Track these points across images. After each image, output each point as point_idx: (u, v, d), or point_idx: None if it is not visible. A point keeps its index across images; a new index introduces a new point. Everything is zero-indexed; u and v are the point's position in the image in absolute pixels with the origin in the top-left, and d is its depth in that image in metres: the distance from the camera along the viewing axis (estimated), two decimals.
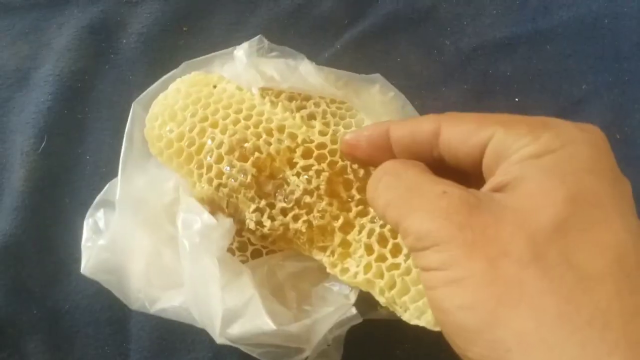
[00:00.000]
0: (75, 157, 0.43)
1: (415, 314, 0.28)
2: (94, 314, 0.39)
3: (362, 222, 0.31)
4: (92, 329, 0.39)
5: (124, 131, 0.36)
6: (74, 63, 0.44)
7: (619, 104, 0.44)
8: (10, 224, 0.40)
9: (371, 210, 0.31)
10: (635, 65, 0.45)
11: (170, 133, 0.33)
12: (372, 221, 0.31)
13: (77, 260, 0.39)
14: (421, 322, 0.28)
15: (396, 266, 0.30)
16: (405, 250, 0.30)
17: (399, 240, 0.30)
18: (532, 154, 0.23)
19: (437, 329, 0.27)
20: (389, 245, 0.30)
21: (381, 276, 0.30)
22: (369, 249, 0.30)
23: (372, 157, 0.29)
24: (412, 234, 0.23)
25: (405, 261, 0.29)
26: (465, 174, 0.26)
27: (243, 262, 0.34)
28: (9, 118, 0.44)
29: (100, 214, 0.36)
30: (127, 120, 0.36)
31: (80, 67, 0.44)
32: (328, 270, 0.31)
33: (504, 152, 0.23)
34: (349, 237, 0.31)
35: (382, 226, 0.31)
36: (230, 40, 0.45)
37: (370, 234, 0.31)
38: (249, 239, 0.35)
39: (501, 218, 0.22)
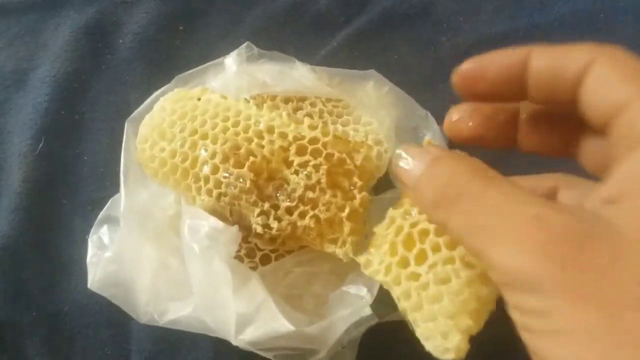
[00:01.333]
0: (72, 157, 0.42)
1: (425, 334, 0.25)
2: (94, 315, 0.39)
3: (392, 214, 0.28)
4: (92, 330, 0.39)
5: (120, 131, 0.36)
6: (70, 64, 0.44)
7: None
8: (9, 225, 0.40)
9: (402, 201, 0.28)
10: None
11: (162, 152, 0.32)
12: (403, 217, 0.27)
13: (76, 262, 0.39)
14: (428, 346, 0.25)
15: (416, 276, 0.26)
16: (430, 260, 0.26)
17: (426, 246, 0.26)
18: None
19: (445, 358, 0.25)
20: (415, 250, 0.26)
21: (398, 284, 0.27)
22: (393, 249, 0.27)
23: (495, 92, 0.24)
24: (498, 269, 0.19)
25: (426, 273, 0.26)
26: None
27: (252, 268, 0.34)
28: (6, 119, 0.44)
29: (104, 229, 0.35)
30: (124, 119, 0.36)
31: (77, 68, 0.44)
32: (342, 257, 0.30)
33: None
34: (376, 229, 0.28)
35: (412, 225, 0.27)
36: (226, 39, 0.45)
37: (398, 231, 0.27)
38: (256, 245, 0.34)
39: (620, 253, 0.17)
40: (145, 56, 0.45)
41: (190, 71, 0.38)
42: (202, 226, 0.31)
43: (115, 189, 0.36)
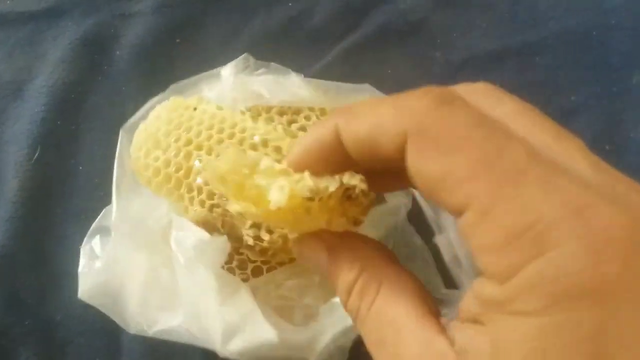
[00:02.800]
0: (68, 167, 0.43)
1: None
2: (87, 325, 0.39)
3: None
4: (84, 339, 0.39)
5: (116, 142, 0.36)
6: (68, 75, 0.45)
7: (608, 115, 0.44)
8: (3, 234, 0.40)
9: None
10: (624, 76, 0.45)
11: (156, 161, 0.33)
12: None
13: (70, 271, 0.39)
14: None
15: None
16: None
17: None
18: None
19: None
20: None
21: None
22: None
23: (329, 170, 0.22)
24: None
25: None
26: None
27: (244, 280, 0.34)
28: (3, 129, 0.44)
29: (96, 240, 0.36)
30: (120, 130, 0.36)
31: (74, 79, 0.45)
32: None
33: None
34: None
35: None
36: (223, 52, 0.46)
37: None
38: (248, 257, 0.34)
39: None
40: (143, 68, 0.45)
41: (186, 80, 0.38)
42: (187, 237, 0.31)
43: (110, 199, 0.36)
